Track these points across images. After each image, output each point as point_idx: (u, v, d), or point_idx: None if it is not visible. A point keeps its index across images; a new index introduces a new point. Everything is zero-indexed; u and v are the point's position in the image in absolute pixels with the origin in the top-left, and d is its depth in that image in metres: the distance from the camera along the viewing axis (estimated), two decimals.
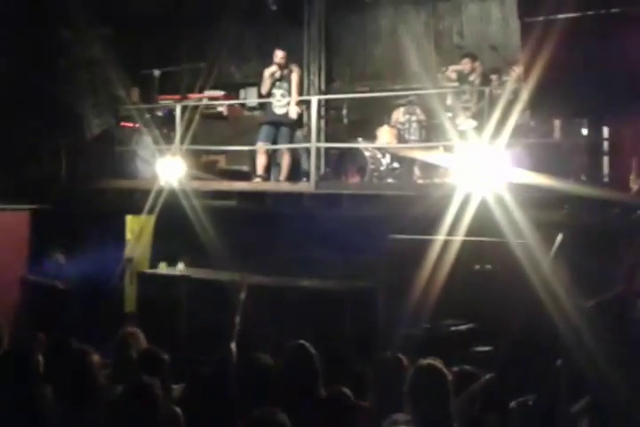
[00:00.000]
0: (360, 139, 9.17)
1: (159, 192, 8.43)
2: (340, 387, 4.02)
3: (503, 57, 9.01)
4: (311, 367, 4.31)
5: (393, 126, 9.20)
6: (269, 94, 8.93)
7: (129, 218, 8.94)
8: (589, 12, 6.66)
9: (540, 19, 6.77)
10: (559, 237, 5.32)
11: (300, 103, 9.05)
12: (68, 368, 4.41)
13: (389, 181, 8.62)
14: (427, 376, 3.82)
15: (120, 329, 5.24)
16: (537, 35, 6.71)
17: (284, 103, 8.83)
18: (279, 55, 8.88)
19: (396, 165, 8.85)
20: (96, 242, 8.46)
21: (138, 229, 8.81)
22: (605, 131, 7.63)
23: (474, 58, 9.07)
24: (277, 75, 8.83)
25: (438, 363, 3.94)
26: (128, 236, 8.89)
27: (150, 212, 8.49)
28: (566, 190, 6.61)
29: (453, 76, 9.17)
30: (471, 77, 8.96)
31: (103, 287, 8.07)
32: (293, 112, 8.79)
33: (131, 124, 9.66)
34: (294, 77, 8.86)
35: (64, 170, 9.39)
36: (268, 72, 8.89)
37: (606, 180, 7.46)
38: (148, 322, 7.41)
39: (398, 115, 9.42)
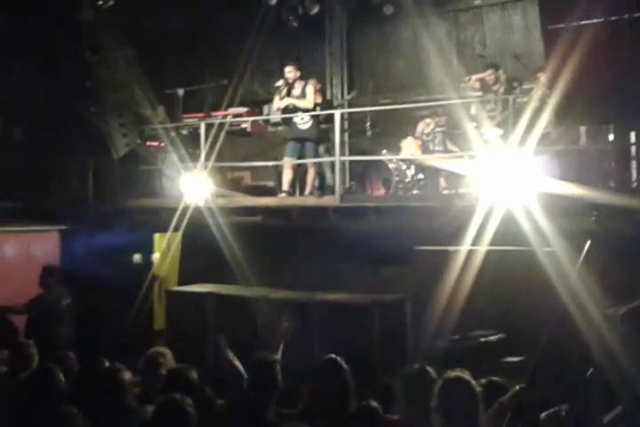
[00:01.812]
0: (384, 151, 9.16)
1: (185, 210, 8.48)
2: (369, 401, 3.99)
3: (526, 65, 8.96)
4: (342, 382, 4.29)
5: (417, 137, 9.17)
6: (288, 109, 8.96)
7: (157, 236, 9.00)
8: (613, 18, 6.59)
9: (564, 26, 6.71)
10: (587, 245, 5.25)
11: (323, 118, 9.10)
12: (100, 387, 4.45)
13: (415, 192, 8.58)
14: (455, 389, 3.77)
15: (149, 348, 5.29)
16: (561, 42, 6.65)
17: (307, 119, 8.85)
18: (287, 70, 8.95)
19: (421, 176, 8.81)
20: (124, 261, 8.52)
21: (165, 247, 8.86)
22: (633, 136, 7.51)
23: (497, 68, 9.04)
24: (285, 91, 8.86)
25: (466, 375, 3.88)
26: (156, 254, 8.95)
27: (177, 229, 8.54)
28: (594, 198, 6.51)
29: (477, 85, 9.13)
30: (495, 87, 8.92)
31: (132, 306, 8.10)
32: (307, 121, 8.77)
33: (156, 143, 9.76)
34: (309, 88, 8.90)
35: (91, 190, 9.50)
36: (275, 86, 8.98)
37: (635, 185, 7.35)
38: (176, 340, 7.46)
39: (422, 126, 9.40)
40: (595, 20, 6.26)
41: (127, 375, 4.63)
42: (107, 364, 5.00)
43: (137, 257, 9.02)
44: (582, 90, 6.65)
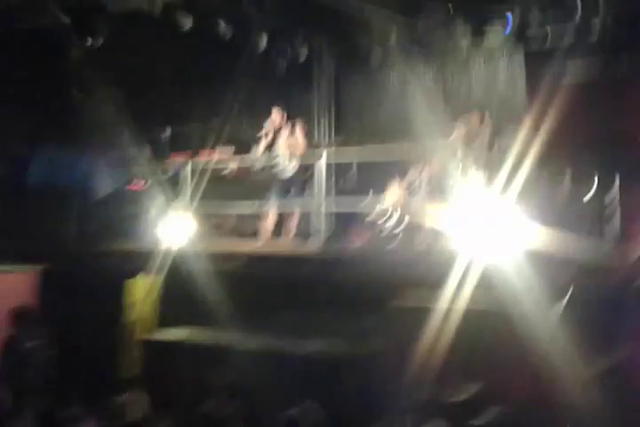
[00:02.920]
0: (369, 197, 9.12)
1: (167, 253, 8.40)
2: None
3: (510, 115, 9.01)
4: None
5: (402, 185, 9.14)
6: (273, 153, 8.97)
7: (131, 281, 8.89)
8: (600, 76, 6.70)
9: (548, 82, 6.81)
10: (568, 294, 5.21)
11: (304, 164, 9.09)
12: None
13: (397, 242, 8.52)
14: None
15: (122, 394, 5.22)
16: (545, 93, 6.74)
17: (293, 165, 8.84)
18: (272, 117, 9.00)
19: (404, 225, 8.75)
20: (97, 305, 8.40)
21: (142, 292, 8.76)
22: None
23: (480, 114, 9.08)
24: (271, 136, 8.88)
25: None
26: (134, 298, 8.83)
27: (158, 273, 8.46)
28: (575, 251, 6.48)
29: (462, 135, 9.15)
30: (478, 133, 8.95)
31: (107, 350, 7.96)
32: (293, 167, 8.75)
33: (141, 185, 9.71)
34: (298, 132, 8.91)
35: (73, 231, 9.41)
36: (262, 131, 8.98)
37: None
38: (152, 387, 7.31)
39: (408, 174, 9.38)
40: (573, 80, 6.34)
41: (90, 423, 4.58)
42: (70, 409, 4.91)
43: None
44: (568, 140, 6.73)
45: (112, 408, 4.93)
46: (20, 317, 7.64)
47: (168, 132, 9.98)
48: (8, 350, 7.40)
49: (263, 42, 10.20)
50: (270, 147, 8.98)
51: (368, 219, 8.55)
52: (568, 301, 5.31)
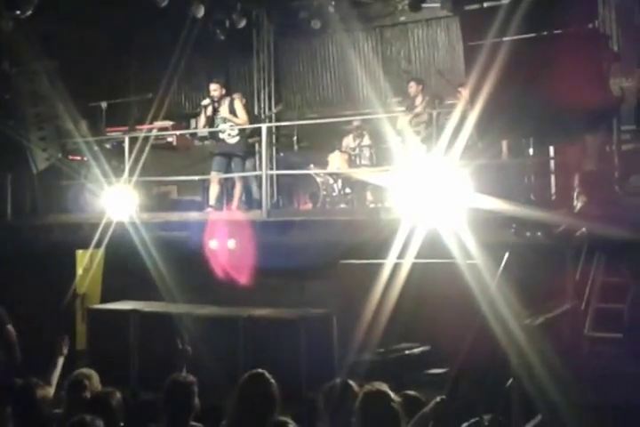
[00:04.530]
0: (312, 165, 9.18)
1: (108, 225, 8.29)
2: (284, 418, 3.95)
3: (450, 81, 9.13)
4: (269, 396, 4.24)
5: (344, 152, 9.23)
6: (215, 125, 8.92)
7: (79, 253, 8.76)
8: (531, 34, 6.75)
9: (483, 42, 6.84)
10: (506, 257, 5.36)
11: (249, 132, 9.07)
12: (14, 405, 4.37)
13: (342, 206, 8.62)
14: (374, 402, 3.77)
15: (72, 368, 5.17)
16: (481, 58, 6.78)
17: (235, 133, 8.81)
18: (212, 88, 8.94)
19: (348, 190, 8.86)
20: (44, 279, 8.26)
21: (87, 264, 8.63)
22: (551, 150, 7.72)
23: (418, 82, 9.19)
24: (210, 108, 8.84)
25: (385, 388, 3.88)
26: (79, 271, 8.71)
27: (99, 245, 8.34)
28: (514, 211, 6.64)
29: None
30: (417, 101, 9.06)
31: (53, 325, 7.84)
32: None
33: (79, 158, 9.52)
34: (237, 104, 8.89)
35: (9, 205, 9.20)
36: (202, 105, 8.95)
37: (554, 198, 7.53)
38: (99, 359, 7.25)
39: (348, 140, 9.48)
40: (508, 38, 6.40)
41: (44, 391, 4.56)
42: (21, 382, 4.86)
43: None
44: (502, 105, 6.79)
45: (69, 383, 4.89)
46: None
47: (105, 105, 9.76)
48: None
49: (201, 11, 10.07)
50: (211, 118, 8.90)
51: (312, 185, 8.61)
52: (506, 260, 5.44)
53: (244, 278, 7.68)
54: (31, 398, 4.49)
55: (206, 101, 8.98)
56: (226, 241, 7.92)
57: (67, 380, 4.95)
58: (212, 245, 7.93)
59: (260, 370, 4.41)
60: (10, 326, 8.02)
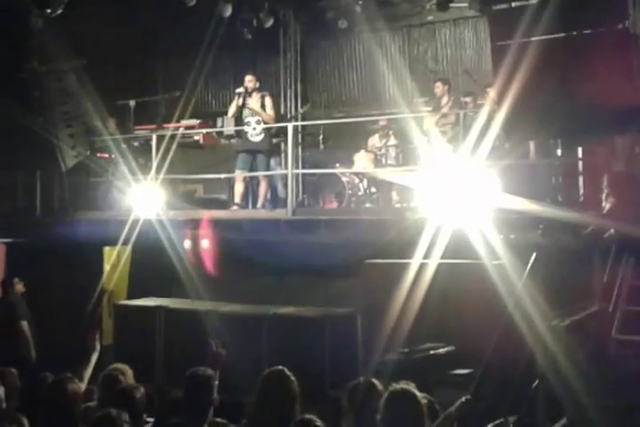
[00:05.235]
0: (337, 164, 9.18)
1: (136, 222, 8.36)
2: (310, 416, 3.95)
3: (477, 81, 9.09)
4: (288, 393, 4.24)
5: (369, 151, 9.22)
6: (241, 120, 8.95)
7: (106, 249, 8.85)
8: (561, 34, 6.71)
9: (512, 42, 6.81)
10: (533, 258, 5.33)
11: (275, 131, 9.09)
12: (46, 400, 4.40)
13: (367, 205, 8.61)
14: (400, 402, 3.76)
15: (99, 363, 5.22)
16: (509, 58, 6.75)
17: (260, 131, 8.83)
18: (247, 79, 8.97)
19: (373, 189, 8.85)
20: (72, 275, 8.35)
21: (115, 261, 8.72)
22: (579, 151, 7.66)
23: (445, 82, 9.16)
24: (241, 99, 8.87)
25: (412, 388, 3.87)
26: (106, 267, 8.80)
27: (127, 242, 8.41)
28: (541, 212, 6.60)
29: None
30: (443, 101, 9.03)
31: (80, 320, 7.93)
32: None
33: (107, 155, 9.62)
34: (267, 101, 8.91)
35: (38, 202, 9.31)
36: (236, 92, 8.99)
37: (582, 199, 7.48)
38: (125, 354, 7.31)
39: (374, 140, 9.47)
40: (541, 37, 6.36)
41: (76, 386, 4.59)
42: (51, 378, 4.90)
43: None
44: (530, 105, 6.75)
45: (102, 377, 4.92)
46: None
47: (133, 103, 9.84)
48: None
49: (228, 10, 10.12)
50: (240, 108, 8.93)
51: (338, 184, 8.60)
52: (534, 260, 5.41)
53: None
54: (62, 393, 4.49)
55: (240, 89, 9.00)
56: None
57: (101, 374, 4.97)
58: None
59: (279, 367, 4.42)
60: (25, 323, 8.21)
